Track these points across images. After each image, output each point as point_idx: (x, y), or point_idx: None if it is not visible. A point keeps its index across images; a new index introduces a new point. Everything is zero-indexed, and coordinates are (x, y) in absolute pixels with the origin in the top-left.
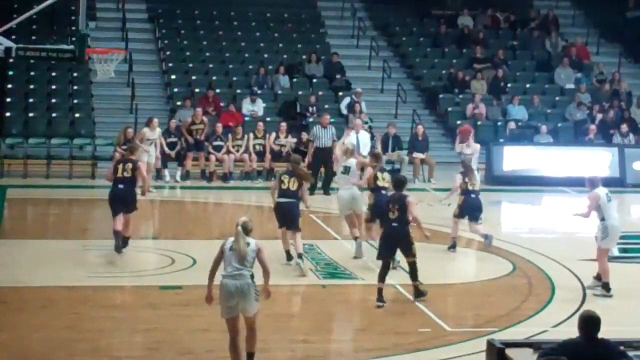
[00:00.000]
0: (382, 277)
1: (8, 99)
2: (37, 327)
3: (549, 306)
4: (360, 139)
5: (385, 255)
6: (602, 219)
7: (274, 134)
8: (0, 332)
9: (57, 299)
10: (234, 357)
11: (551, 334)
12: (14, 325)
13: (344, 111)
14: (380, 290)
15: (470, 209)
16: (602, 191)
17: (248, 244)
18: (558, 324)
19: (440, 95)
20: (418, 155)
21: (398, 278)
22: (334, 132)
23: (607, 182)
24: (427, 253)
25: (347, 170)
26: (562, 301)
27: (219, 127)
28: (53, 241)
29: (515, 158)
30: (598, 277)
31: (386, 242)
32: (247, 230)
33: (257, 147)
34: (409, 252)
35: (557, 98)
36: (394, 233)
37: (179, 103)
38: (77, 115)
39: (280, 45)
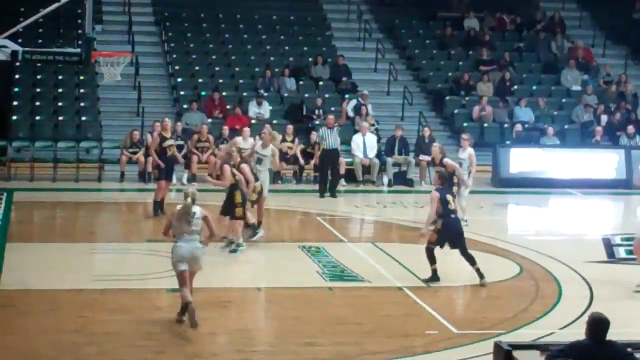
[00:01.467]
0: (432, 259)
1: (15, 102)
2: (44, 330)
3: (556, 308)
4: (366, 141)
5: (442, 246)
6: None
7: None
8: (8, 335)
9: (64, 302)
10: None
11: (558, 336)
12: (21, 328)
13: (351, 114)
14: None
15: None
16: None
17: (194, 213)
18: (565, 326)
19: (447, 98)
20: (425, 158)
21: (405, 280)
22: (338, 132)
23: (614, 184)
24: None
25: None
26: (569, 303)
27: (226, 129)
28: (60, 244)
29: (522, 160)
30: None
31: (445, 233)
32: (194, 201)
33: None
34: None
35: (563, 100)
36: (453, 224)
37: (185, 106)
38: (83, 118)
39: (286, 47)
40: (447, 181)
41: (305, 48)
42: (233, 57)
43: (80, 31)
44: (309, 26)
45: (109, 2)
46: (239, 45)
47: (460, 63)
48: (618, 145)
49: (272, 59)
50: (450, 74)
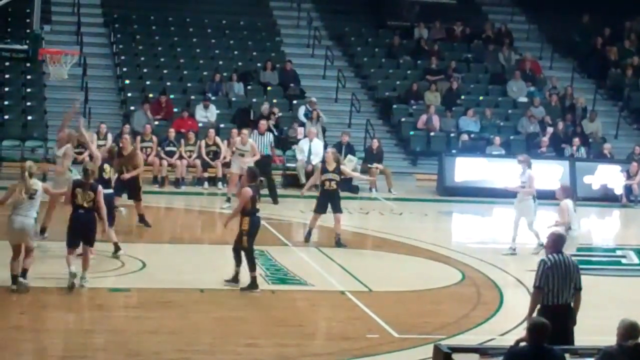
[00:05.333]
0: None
1: None
2: None
3: (497, 315)
4: (312, 147)
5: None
6: (569, 229)
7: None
8: None
9: (5, 298)
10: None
11: (499, 343)
12: None
13: (303, 119)
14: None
15: None
16: (570, 201)
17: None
18: (506, 333)
19: (394, 106)
20: (375, 165)
21: (348, 284)
22: (271, 140)
23: None
24: (380, 260)
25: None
26: (510, 310)
27: (172, 132)
28: (1, 242)
29: (467, 169)
30: None
31: (252, 229)
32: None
33: (211, 153)
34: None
35: (509, 111)
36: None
37: (132, 108)
38: (29, 117)
39: (236, 52)
40: (257, 179)
41: (254, 53)
42: (182, 61)
43: (28, 30)
44: (259, 31)
45: (58, 3)
46: (188, 48)
47: (409, 72)
48: (563, 156)
49: (220, 63)
50: (398, 82)
